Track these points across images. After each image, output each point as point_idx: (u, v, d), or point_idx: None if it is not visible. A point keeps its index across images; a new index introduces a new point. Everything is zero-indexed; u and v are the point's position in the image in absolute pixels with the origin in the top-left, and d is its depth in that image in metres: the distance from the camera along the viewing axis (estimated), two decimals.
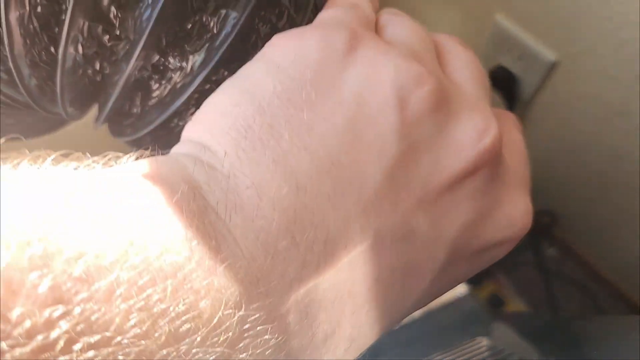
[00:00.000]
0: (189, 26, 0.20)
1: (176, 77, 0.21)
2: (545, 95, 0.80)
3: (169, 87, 0.22)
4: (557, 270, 1.24)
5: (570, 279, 1.22)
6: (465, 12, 0.80)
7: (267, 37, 0.22)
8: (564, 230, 1.16)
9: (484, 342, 0.37)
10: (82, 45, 0.20)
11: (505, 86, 0.82)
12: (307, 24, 0.22)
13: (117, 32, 0.20)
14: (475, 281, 1.17)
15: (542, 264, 1.24)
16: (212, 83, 0.22)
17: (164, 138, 0.24)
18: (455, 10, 0.82)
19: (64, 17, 0.19)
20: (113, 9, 0.20)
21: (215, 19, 0.21)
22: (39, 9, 0.18)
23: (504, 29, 0.73)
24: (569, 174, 0.94)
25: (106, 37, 0.20)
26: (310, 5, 0.23)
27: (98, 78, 0.21)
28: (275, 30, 0.22)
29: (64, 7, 0.19)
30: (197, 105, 0.22)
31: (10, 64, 0.20)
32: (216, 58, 0.20)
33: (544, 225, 1.18)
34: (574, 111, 0.77)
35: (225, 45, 0.20)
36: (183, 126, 0.23)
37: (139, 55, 0.20)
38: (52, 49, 0.20)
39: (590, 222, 1.01)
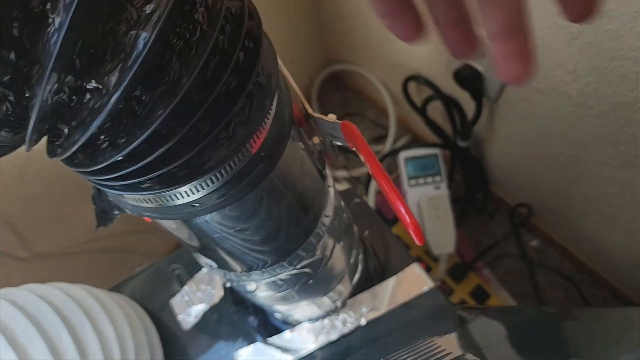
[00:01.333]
0: (101, 49, 0.21)
1: (94, 97, 0.22)
2: (510, 92, 0.81)
3: (87, 107, 0.22)
4: (540, 261, 1.25)
5: (554, 268, 1.23)
6: None
7: (182, 52, 0.22)
8: (542, 220, 1.17)
9: (436, 342, 0.38)
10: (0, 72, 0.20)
11: (472, 84, 0.82)
12: (218, 35, 0.23)
13: (31, 57, 0.20)
14: (459, 275, 1.18)
15: (525, 255, 1.24)
16: (128, 100, 0.22)
17: (93, 154, 0.24)
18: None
19: None
20: (24, 35, 0.20)
21: (127, 40, 0.21)
22: None
23: None
24: (540, 167, 0.95)
25: (20, 62, 0.21)
26: (221, 17, 0.23)
27: (23, 102, 0.22)
28: (188, 44, 0.22)
29: None
30: (116, 122, 0.22)
31: None
32: (129, 77, 0.21)
33: (523, 217, 1.19)
34: (538, 106, 0.78)
35: (137, 64, 0.21)
36: (110, 142, 0.23)
37: (50, 78, 0.20)
38: None
39: (565, 211, 1.02)
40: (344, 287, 0.50)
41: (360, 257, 0.52)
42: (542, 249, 1.26)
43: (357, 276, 0.52)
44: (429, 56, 0.94)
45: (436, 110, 1.04)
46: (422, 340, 0.42)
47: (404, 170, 1.05)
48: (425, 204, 1.03)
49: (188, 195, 0.27)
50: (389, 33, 0.24)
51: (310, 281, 0.43)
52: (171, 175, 0.25)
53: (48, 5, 0.19)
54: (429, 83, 0.97)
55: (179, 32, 0.23)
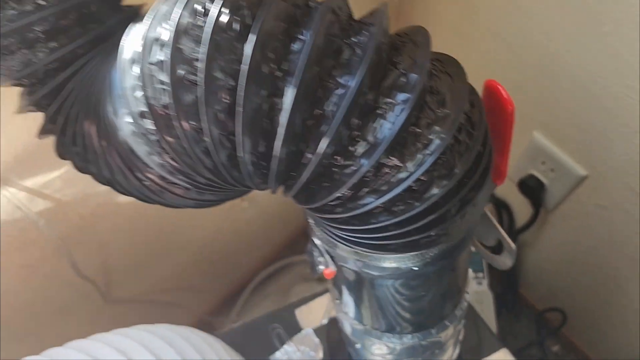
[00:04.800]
0: (408, 136, 0.26)
1: (392, 172, 0.27)
2: (569, 204, 0.87)
3: (385, 180, 0.27)
4: None
5: None
6: None
7: (458, 147, 0.27)
8: (571, 328, 1.19)
9: None
10: (334, 145, 0.25)
11: (533, 193, 0.88)
12: (483, 136, 0.28)
13: (358, 136, 0.26)
14: None
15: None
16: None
17: (365, 216, 0.29)
18: None
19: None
20: (356, 120, 0.25)
21: (427, 133, 0.26)
22: None
23: (540, 144, 0.80)
24: (582, 275, 0.99)
25: (350, 142, 0.26)
26: (484, 127, 0.29)
27: (335, 170, 0.27)
28: (465, 142, 0.28)
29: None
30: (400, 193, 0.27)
31: (247, 159, 0.26)
32: (428, 163, 0.26)
33: (552, 322, 1.21)
34: (595, 220, 0.83)
35: (436, 154, 0.26)
36: (385, 208, 0.28)
37: (383, 156, 0.25)
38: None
39: (599, 321, 1.04)
40: None
41: (461, 337, 0.55)
42: (563, 356, 1.28)
43: (456, 353, 0.55)
44: None
45: None
46: None
47: None
48: (470, 297, 1.06)
49: (412, 260, 0.32)
50: None
51: (437, 351, 0.46)
52: (415, 242, 0.30)
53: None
54: None
55: (460, 130, 0.28)
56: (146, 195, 0.34)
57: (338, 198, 0.28)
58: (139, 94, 0.27)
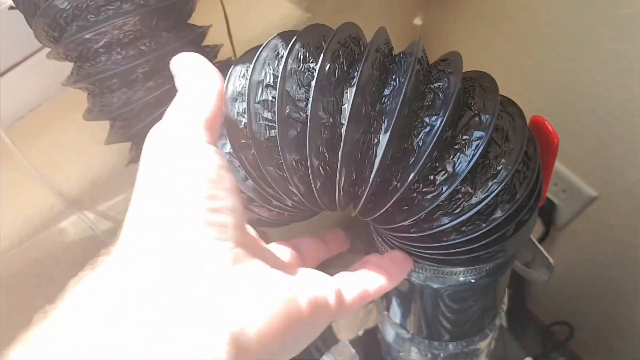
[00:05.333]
0: (478, 168, 0.31)
1: (463, 197, 0.31)
2: (578, 223, 0.91)
3: (458, 203, 0.31)
4: None
5: None
6: None
7: (518, 178, 0.32)
8: (578, 342, 1.22)
9: None
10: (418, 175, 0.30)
11: (545, 212, 0.93)
12: (537, 167, 0.33)
13: (438, 167, 0.30)
14: None
15: None
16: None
17: (436, 235, 0.33)
18: None
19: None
20: (437, 153, 0.30)
21: (495, 164, 0.31)
22: None
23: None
24: (590, 291, 1.03)
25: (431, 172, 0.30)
26: (538, 163, 0.33)
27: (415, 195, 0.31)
28: (525, 175, 0.32)
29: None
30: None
31: (341, 186, 0.30)
32: (495, 192, 0.30)
33: (560, 338, 1.25)
34: (604, 238, 0.88)
35: (502, 185, 0.30)
36: (454, 228, 0.32)
37: (459, 184, 0.30)
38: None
39: (606, 336, 1.08)
40: None
41: (492, 346, 0.59)
42: None
43: None
44: None
45: None
46: None
47: None
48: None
49: (471, 273, 0.36)
50: None
51: (474, 359, 0.50)
52: (477, 257, 0.34)
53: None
54: None
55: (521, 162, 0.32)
56: None
57: (415, 220, 0.32)
58: (241, 127, 0.32)
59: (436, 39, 0.92)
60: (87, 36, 0.36)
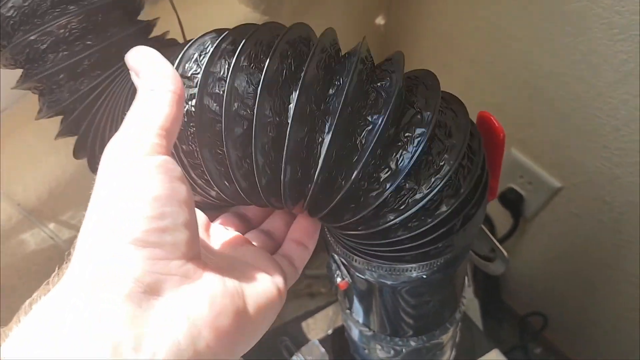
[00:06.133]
0: (420, 164, 0.31)
1: (408, 194, 0.31)
2: (546, 214, 0.92)
3: (402, 200, 0.31)
4: None
5: None
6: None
7: (462, 172, 0.32)
8: (552, 331, 1.24)
9: None
10: (363, 172, 0.30)
11: (513, 205, 0.94)
12: (482, 162, 0.33)
13: (382, 164, 0.30)
14: None
15: None
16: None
17: (384, 232, 0.33)
18: None
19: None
20: (380, 151, 0.30)
21: (438, 160, 0.31)
22: None
23: (518, 160, 0.86)
24: (561, 280, 1.05)
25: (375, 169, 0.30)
26: (483, 157, 0.33)
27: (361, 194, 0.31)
28: (469, 169, 0.32)
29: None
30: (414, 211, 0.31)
31: (287, 184, 0.30)
32: (439, 187, 0.31)
33: (536, 327, 1.27)
34: (570, 227, 0.89)
35: (445, 179, 0.31)
36: (400, 224, 0.32)
37: (403, 180, 0.30)
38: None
39: (578, 324, 1.10)
40: None
41: (457, 339, 0.59)
42: (546, 358, 1.33)
43: (452, 355, 0.59)
44: None
45: None
46: None
47: None
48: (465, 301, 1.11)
49: (422, 269, 0.36)
50: None
51: (438, 352, 0.50)
52: (425, 253, 0.34)
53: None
54: None
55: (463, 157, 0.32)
56: None
57: (362, 217, 0.32)
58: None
59: (398, 38, 0.92)
60: (32, 37, 0.36)
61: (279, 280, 0.29)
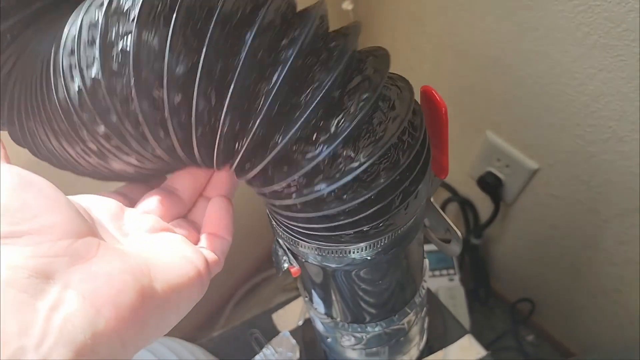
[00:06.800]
0: (361, 131, 0.29)
1: (344, 162, 0.30)
2: (526, 197, 0.91)
3: (338, 168, 0.30)
4: (536, 356, 1.30)
5: None
6: (460, 128, 0.92)
7: (402, 145, 0.31)
8: (542, 316, 1.23)
9: None
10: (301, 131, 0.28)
11: (492, 189, 0.92)
12: (423, 137, 0.32)
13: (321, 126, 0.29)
14: None
15: (523, 350, 1.29)
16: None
17: (318, 203, 0.31)
18: (451, 127, 0.94)
19: None
20: (323, 112, 0.29)
21: (379, 129, 0.30)
22: None
23: (494, 142, 0.85)
24: (546, 264, 1.03)
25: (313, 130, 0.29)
26: (424, 130, 0.32)
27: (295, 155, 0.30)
28: (407, 142, 0.31)
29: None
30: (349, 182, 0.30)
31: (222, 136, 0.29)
32: (377, 155, 0.29)
33: (524, 314, 1.25)
34: (551, 210, 0.88)
35: (385, 147, 0.29)
36: (336, 196, 0.30)
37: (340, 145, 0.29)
38: None
39: (565, 307, 1.08)
40: (417, 351, 0.56)
41: (426, 325, 0.58)
42: (538, 344, 1.32)
43: (423, 341, 0.58)
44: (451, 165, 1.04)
45: (450, 211, 1.14)
46: None
47: None
48: (443, 292, 1.09)
49: (365, 250, 0.35)
50: None
51: (402, 338, 0.49)
52: (365, 233, 0.33)
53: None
54: (447, 187, 1.07)
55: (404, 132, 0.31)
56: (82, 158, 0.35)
57: (294, 182, 0.30)
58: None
59: (367, 22, 0.91)
60: None
61: (197, 261, 0.29)
